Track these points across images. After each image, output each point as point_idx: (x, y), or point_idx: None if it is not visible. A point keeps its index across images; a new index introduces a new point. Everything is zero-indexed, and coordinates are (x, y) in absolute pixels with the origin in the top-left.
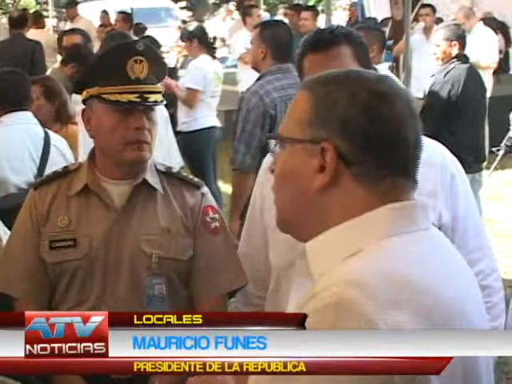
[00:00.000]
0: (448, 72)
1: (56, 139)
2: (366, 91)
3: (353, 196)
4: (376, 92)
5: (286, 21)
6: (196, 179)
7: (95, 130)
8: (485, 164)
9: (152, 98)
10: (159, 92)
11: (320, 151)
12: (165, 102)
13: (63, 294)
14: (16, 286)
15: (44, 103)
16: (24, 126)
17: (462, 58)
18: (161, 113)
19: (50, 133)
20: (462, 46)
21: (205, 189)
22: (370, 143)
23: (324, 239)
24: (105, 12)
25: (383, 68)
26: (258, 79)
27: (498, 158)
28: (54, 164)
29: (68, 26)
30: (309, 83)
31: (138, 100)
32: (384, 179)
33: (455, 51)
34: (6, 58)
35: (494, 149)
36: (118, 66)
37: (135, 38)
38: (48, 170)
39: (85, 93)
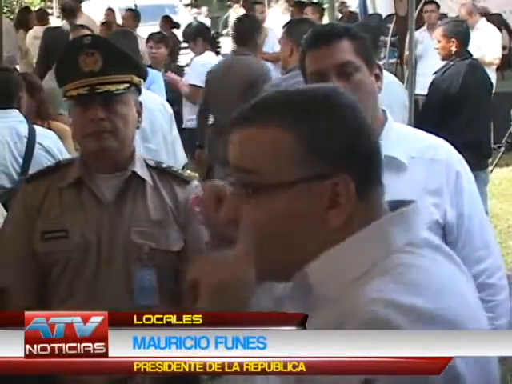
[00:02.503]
0: (446, 70)
1: (42, 136)
2: (344, 108)
3: (356, 213)
4: (355, 107)
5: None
6: (186, 174)
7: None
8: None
9: (104, 88)
10: (119, 82)
11: (331, 187)
12: (122, 90)
13: (55, 284)
14: (5, 276)
15: (26, 98)
16: (6, 124)
17: (464, 54)
18: (165, 109)
19: (38, 129)
20: (462, 42)
21: (195, 183)
22: (365, 160)
23: (327, 260)
24: (110, 10)
25: None
26: (286, 74)
27: (499, 154)
28: (39, 162)
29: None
30: (273, 118)
31: (86, 92)
32: (375, 190)
33: (454, 48)
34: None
35: (495, 145)
36: (72, 62)
37: (142, 35)
38: (32, 169)
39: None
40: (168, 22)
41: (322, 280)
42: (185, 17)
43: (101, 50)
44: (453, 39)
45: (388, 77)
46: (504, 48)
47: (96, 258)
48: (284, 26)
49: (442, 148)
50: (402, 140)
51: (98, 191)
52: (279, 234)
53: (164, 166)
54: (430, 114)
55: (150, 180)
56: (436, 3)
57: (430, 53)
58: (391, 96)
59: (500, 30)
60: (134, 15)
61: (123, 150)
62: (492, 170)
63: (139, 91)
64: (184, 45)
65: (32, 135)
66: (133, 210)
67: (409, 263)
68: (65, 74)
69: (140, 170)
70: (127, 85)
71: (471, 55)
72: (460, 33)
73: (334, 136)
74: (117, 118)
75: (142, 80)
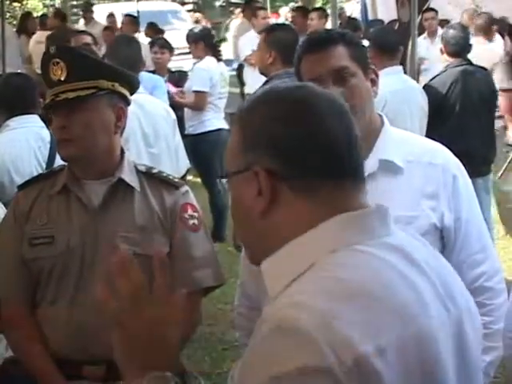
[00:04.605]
0: (437, 76)
1: None
2: (282, 102)
3: (296, 211)
4: (292, 100)
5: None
6: (176, 179)
7: None
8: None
9: (64, 96)
10: (82, 88)
11: (253, 176)
12: (83, 97)
13: (43, 290)
14: (0, 285)
15: None
16: (30, 129)
17: (459, 60)
18: (168, 115)
19: None
20: (450, 49)
21: (184, 188)
22: (296, 152)
23: (276, 259)
24: (112, 15)
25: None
26: (266, 83)
27: (509, 159)
28: None
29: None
30: (237, 114)
31: (48, 101)
32: (324, 186)
33: (444, 55)
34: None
35: (504, 149)
36: (44, 72)
37: (147, 39)
38: None
39: None
40: (152, 29)
41: (268, 280)
42: (187, 22)
43: (64, 58)
44: (442, 46)
45: (410, 82)
46: (506, 54)
47: (80, 263)
48: (263, 32)
49: (438, 152)
50: (398, 144)
51: (84, 197)
52: (233, 218)
53: (154, 171)
54: None
55: (138, 186)
56: (435, 10)
57: (430, 59)
58: (412, 101)
59: (502, 35)
60: (132, 21)
61: (97, 157)
62: (501, 175)
63: (119, 94)
64: (184, 50)
65: (53, 141)
66: (118, 215)
67: (340, 262)
68: (45, 82)
69: (128, 176)
70: (93, 90)
71: (469, 62)
72: (447, 40)
73: (262, 128)
74: (76, 125)
75: (115, 84)
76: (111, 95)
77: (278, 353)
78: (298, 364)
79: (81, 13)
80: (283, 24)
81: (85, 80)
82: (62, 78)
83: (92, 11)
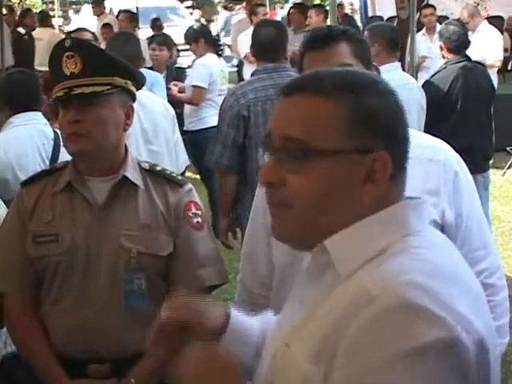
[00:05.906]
0: (437, 73)
1: None
2: (390, 94)
3: (381, 194)
4: (391, 93)
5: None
6: (180, 177)
7: None
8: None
9: (79, 90)
10: (98, 84)
11: (369, 161)
12: (100, 92)
13: (47, 287)
14: (2, 280)
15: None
16: (33, 126)
17: (458, 57)
18: (167, 111)
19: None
20: (450, 46)
21: (188, 186)
22: (401, 141)
23: (347, 236)
24: (111, 11)
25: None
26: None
27: None
28: None
29: (95, 22)
30: (323, 89)
31: (63, 94)
32: (401, 175)
33: (444, 51)
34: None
35: (508, 148)
36: (56, 65)
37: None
38: None
39: None
40: (158, 25)
41: (338, 256)
42: (186, 19)
43: (80, 52)
44: (442, 42)
45: (408, 78)
46: (506, 50)
47: (85, 261)
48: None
49: (439, 148)
50: None
51: (88, 195)
52: (315, 200)
53: (158, 168)
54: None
55: (142, 184)
56: (433, 7)
57: (432, 57)
58: (410, 97)
59: (501, 32)
60: (131, 17)
61: (106, 153)
62: (504, 173)
63: (129, 93)
64: (184, 47)
65: (57, 138)
66: (122, 213)
67: (423, 245)
68: (53, 77)
69: (132, 174)
70: (108, 87)
71: (468, 58)
72: (447, 37)
73: (381, 114)
74: (91, 120)
75: (128, 81)
76: (122, 93)
77: (405, 329)
78: (429, 338)
79: (82, 8)
80: (267, 20)
81: (100, 76)
82: (76, 72)
83: (104, 5)
